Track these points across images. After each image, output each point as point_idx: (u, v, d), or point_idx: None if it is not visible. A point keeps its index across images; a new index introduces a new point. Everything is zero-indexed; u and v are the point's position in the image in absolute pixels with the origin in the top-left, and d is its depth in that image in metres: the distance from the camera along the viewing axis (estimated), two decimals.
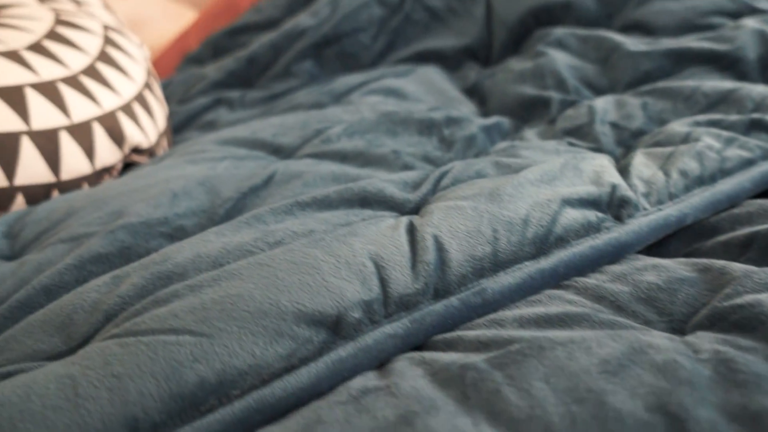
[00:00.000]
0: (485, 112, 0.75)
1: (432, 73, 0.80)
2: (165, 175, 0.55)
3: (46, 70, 0.63)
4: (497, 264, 0.40)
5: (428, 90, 0.76)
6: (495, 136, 0.66)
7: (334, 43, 0.84)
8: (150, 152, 0.70)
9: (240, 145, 0.62)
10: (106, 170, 0.65)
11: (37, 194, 0.60)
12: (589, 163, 0.51)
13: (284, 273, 0.37)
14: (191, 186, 0.52)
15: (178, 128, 0.80)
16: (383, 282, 0.38)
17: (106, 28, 0.73)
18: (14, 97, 0.59)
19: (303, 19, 0.85)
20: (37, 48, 0.64)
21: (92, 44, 0.69)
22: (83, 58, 0.67)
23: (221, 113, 0.80)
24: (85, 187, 0.63)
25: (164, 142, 0.73)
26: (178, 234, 0.48)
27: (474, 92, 0.79)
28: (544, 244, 0.42)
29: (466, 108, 0.72)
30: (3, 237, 0.51)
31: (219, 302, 0.35)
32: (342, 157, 0.59)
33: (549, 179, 0.48)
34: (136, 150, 0.69)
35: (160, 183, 0.53)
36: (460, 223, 0.42)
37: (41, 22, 0.68)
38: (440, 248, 0.40)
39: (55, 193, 0.61)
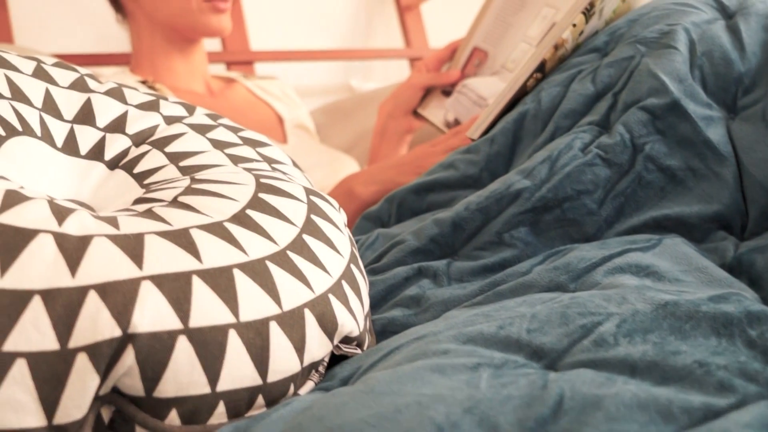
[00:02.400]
0: (765, 298, 0.60)
1: (682, 246, 0.66)
2: (413, 391, 0.43)
3: (253, 246, 0.53)
4: None
5: (686, 268, 0.62)
6: None
7: (554, 208, 0.72)
8: (358, 341, 0.58)
9: (489, 344, 0.49)
10: (314, 366, 0.54)
11: (239, 401, 0.48)
12: None
13: None
14: (457, 414, 0.39)
15: (376, 303, 0.69)
16: None
17: (307, 191, 0.64)
18: (222, 282, 0.49)
19: (515, 179, 0.74)
20: (241, 219, 0.55)
21: (297, 212, 0.59)
22: (290, 229, 0.57)
23: (426, 287, 0.69)
24: (291, 389, 0.52)
25: (368, 323, 0.62)
26: None
27: (739, 271, 0.64)
28: None
29: (748, 294, 0.58)
30: None
31: None
32: (631, 369, 0.45)
33: None
34: (344, 339, 0.57)
35: (411, 406, 0.41)
36: None
37: (242, 186, 0.60)
38: None
39: (260, 399, 0.49)
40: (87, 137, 0.66)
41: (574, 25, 0.88)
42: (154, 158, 0.65)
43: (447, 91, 1.24)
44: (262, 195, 0.59)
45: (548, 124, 0.82)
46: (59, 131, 0.65)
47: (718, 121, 0.74)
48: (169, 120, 0.71)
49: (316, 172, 1.29)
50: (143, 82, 1.28)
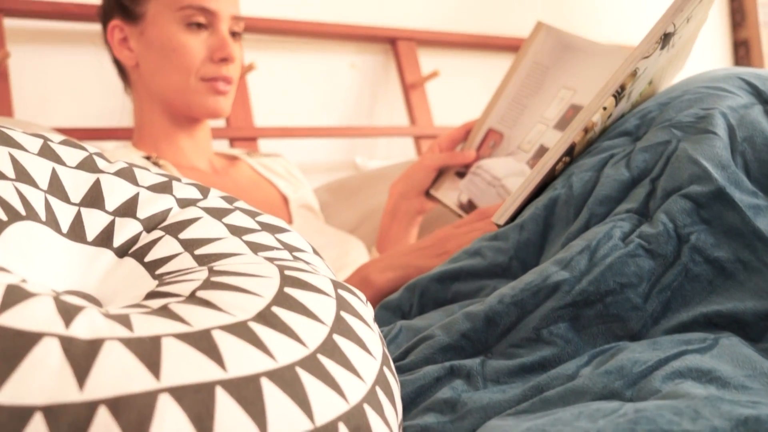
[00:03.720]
0: None
1: (741, 347, 0.60)
2: None
3: (281, 350, 0.47)
4: None
5: (750, 372, 0.57)
6: None
7: (596, 302, 0.66)
8: None
9: None
10: None
11: None
12: None
13: None
14: None
15: (405, 406, 0.63)
16: None
17: (335, 284, 0.58)
18: (249, 394, 0.43)
19: (552, 270, 0.69)
20: (267, 318, 0.50)
21: (326, 309, 0.54)
22: (319, 329, 0.51)
23: (460, 389, 0.62)
24: None
25: None
26: None
27: None
28: None
29: None
30: None
31: None
32: None
33: None
34: None
35: None
36: None
37: (266, 279, 0.54)
38: None
39: None
40: (95, 221, 0.61)
41: (605, 108, 0.85)
42: (167, 245, 0.60)
43: (461, 173, 1.21)
44: (287, 289, 0.54)
45: (582, 211, 0.77)
46: (65, 215, 0.59)
47: (766, 210, 0.70)
48: (183, 203, 0.66)
49: (324, 254, 1.24)
50: (147, 158, 1.24)
